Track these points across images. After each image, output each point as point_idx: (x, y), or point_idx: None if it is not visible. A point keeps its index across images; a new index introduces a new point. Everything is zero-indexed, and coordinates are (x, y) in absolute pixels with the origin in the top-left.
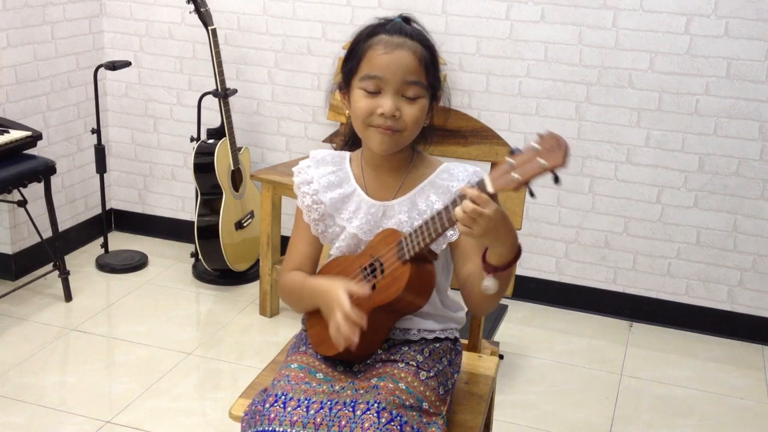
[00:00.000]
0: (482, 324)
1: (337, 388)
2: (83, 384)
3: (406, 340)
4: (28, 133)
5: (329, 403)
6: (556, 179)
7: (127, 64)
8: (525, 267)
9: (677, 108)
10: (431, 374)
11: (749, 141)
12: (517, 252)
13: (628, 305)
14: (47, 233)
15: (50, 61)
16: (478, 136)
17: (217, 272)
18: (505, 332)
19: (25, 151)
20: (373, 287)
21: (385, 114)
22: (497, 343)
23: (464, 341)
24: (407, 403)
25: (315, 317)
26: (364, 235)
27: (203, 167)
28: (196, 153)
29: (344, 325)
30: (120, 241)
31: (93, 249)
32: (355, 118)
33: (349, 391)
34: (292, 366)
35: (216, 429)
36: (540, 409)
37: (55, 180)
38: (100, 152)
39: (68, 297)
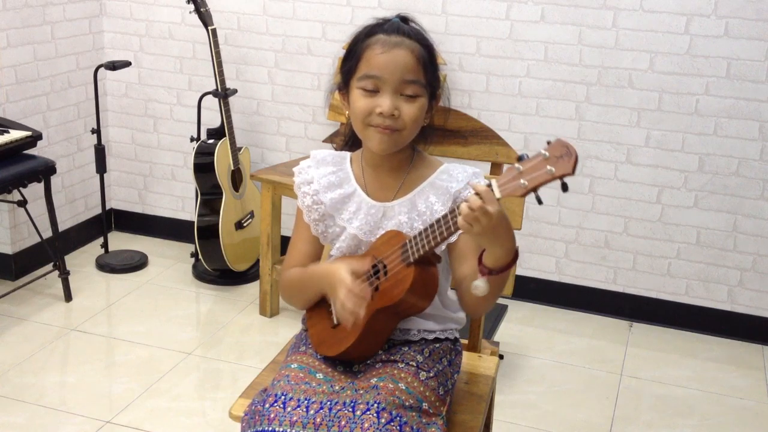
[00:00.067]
0: (482, 324)
1: (336, 388)
2: (83, 384)
3: (406, 340)
4: (28, 133)
5: (329, 403)
6: (565, 187)
7: (127, 64)
8: (525, 267)
9: (677, 108)
10: (431, 374)
11: (749, 141)
12: (514, 257)
13: (628, 305)
14: (47, 233)
15: (50, 61)
16: (478, 136)
17: (217, 272)
18: (505, 332)
19: (25, 151)
20: (376, 289)
21: (383, 113)
22: (497, 343)
23: (464, 341)
24: (407, 404)
25: (315, 317)
26: (364, 236)
27: (203, 167)
28: (196, 153)
29: (349, 300)
30: (120, 241)
31: (93, 249)
32: (355, 118)
33: (348, 392)
34: (292, 366)
35: (216, 429)
36: (540, 409)
37: (55, 180)
38: (100, 152)
39: (68, 297)
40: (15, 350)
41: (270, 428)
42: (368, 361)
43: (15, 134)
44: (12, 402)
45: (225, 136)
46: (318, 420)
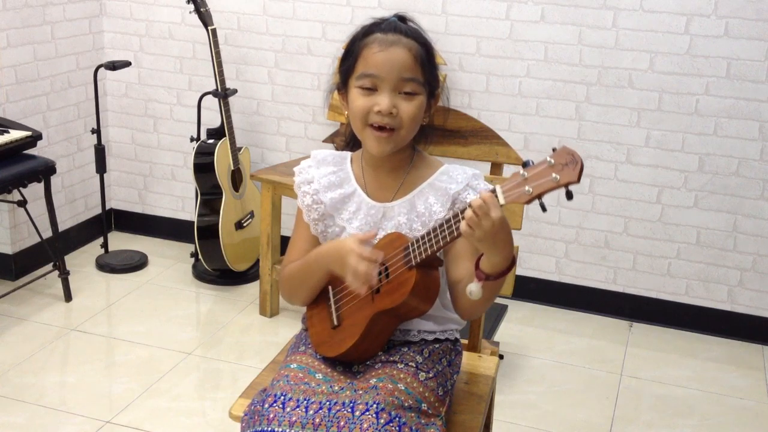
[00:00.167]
0: (482, 324)
1: (336, 388)
2: (83, 384)
3: (405, 341)
4: (28, 133)
5: (328, 403)
6: (569, 195)
7: (127, 64)
8: (525, 267)
9: (677, 108)
10: (430, 375)
11: (749, 141)
12: (511, 263)
13: (628, 305)
14: (47, 233)
15: (50, 61)
16: (478, 136)
17: (217, 272)
18: (505, 332)
19: (25, 151)
20: (377, 291)
21: (382, 111)
22: (497, 343)
23: (464, 341)
24: (406, 404)
25: (316, 317)
26: None
27: (203, 167)
28: (196, 153)
29: (361, 264)
30: (120, 241)
31: (93, 249)
32: (353, 118)
33: (348, 392)
34: (292, 366)
35: (216, 429)
36: (540, 409)
37: (55, 180)
38: (100, 152)
39: (68, 297)
40: (15, 350)
41: (269, 428)
42: (368, 362)
43: (15, 134)
44: (12, 402)
45: (225, 136)
46: (317, 420)
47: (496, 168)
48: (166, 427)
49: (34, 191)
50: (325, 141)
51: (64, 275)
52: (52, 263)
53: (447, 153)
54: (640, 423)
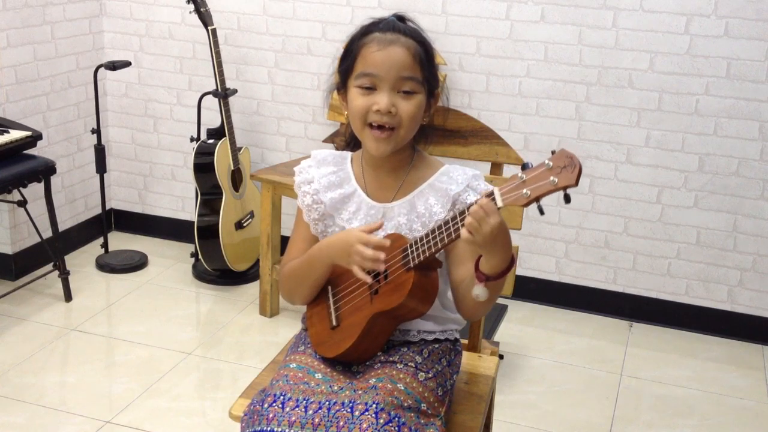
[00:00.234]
0: (482, 324)
1: (335, 388)
2: (83, 384)
3: (405, 341)
4: (28, 133)
5: (328, 403)
6: (567, 198)
7: (127, 64)
8: (525, 267)
9: (677, 108)
10: (430, 375)
11: (749, 141)
12: (510, 263)
13: (628, 305)
14: (47, 233)
15: (50, 61)
16: (478, 136)
17: (217, 272)
18: (505, 332)
19: (25, 151)
20: (376, 292)
21: (381, 110)
22: (497, 343)
23: (464, 341)
24: (405, 404)
25: (315, 317)
26: None
27: (203, 167)
28: (196, 153)
29: (368, 251)
30: (120, 241)
31: (93, 249)
32: (353, 118)
33: (347, 392)
34: (291, 366)
35: (216, 429)
36: (540, 409)
37: (55, 180)
38: (100, 152)
39: (68, 297)
40: (15, 350)
41: (269, 428)
42: (367, 362)
43: (15, 134)
44: (12, 402)
45: (225, 136)
46: (317, 420)
47: (496, 168)
48: (166, 427)
49: (34, 191)
50: (325, 141)
51: (64, 275)
52: (52, 263)
53: (447, 153)
54: (640, 423)
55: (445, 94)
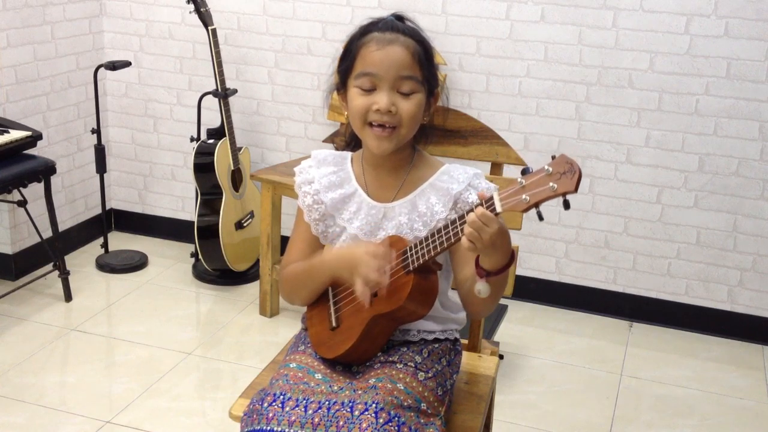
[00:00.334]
0: (482, 324)
1: (335, 388)
2: (83, 384)
3: (405, 340)
4: (28, 133)
5: (327, 403)
6: (567, 205)
7: (127, 64)
8: (525, 267)
9: (677, 108)
10: (429, 375)
11: (749, 141)
12: (510, 259)
13: (628, 305)
14: (47, 233)
15: (50, 61)
16: (478, 136)
17: (217, 272)
18: (505, 332)
19: (25, 151)
20: (375, 294)
21: (381, 110)
22: (497, 343)
23: (464, 341)
24: (405, 404)
25: (316, 317)
26: (365, 236)
27: (203, 167)
28: (196, 153)
29: (372, 274)
30: (120, 241)
31: (93, 249)
32: (353, 118)
33: (347, 392)
34: (291, 366)
35: (216, 429)
36: (540, 409)
37: (55, 180)
38: (100, 152)
39: (68, 297)
40: (15, 350)
41: (268, 427)
42: (367, 362)
43: (15, 134)
44: (12, 402)
45: (225, 136)
46: (316, 420)
47: (496, 168)
48: (166, 427)
49: (34, 191)
50: (325, 141)
51: (64, 275)
52: (52, 263)
53: (447, 153)
54: (640, 423)
55: (445, 94)
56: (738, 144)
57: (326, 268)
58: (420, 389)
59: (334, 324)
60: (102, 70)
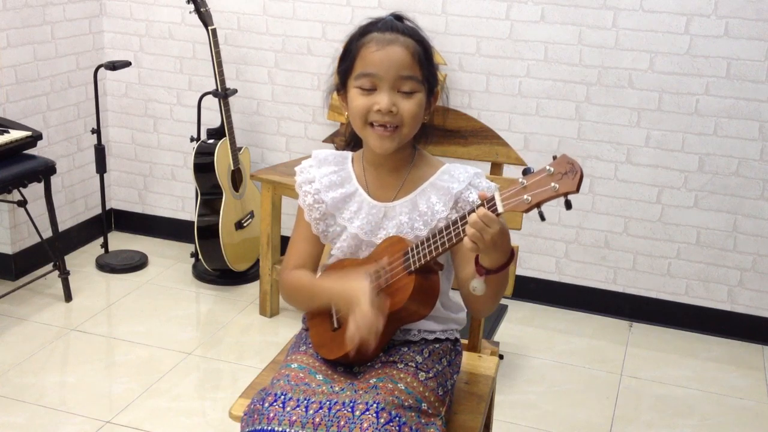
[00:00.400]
0: (482, 324)
1: (336, 389)
2: (83, 384)
3: (406, 340)
4: (28, 133)
5: (328, 403)
6: (568, 205)
7: (127, 64)
8: (525, 267)
9: (677, 108)
10: (430, 375)
11: (749, 141)
12: (510, 257)
13: (628, 305)
14: (47, 233)
15: (50, 61)
16: (478, 136)
17: (217, 272)
18: (505, 332)
19: (25, 151)
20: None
21: (381, 110)
22: (497, 343)
23: (464, 341)
24: (406, 404)
25: (317, 318)
26: (365, 236)
27: (203, 167)
28: (196, 153)
29: (364, 321)
30: (120, 241)
31: (93, 249)
32: (354, 118)
33: (348, 392)
34: (292, 366)
35: (216, 429)
36: (540, 409)
37: (55, 180)
38: (100, 152)
39: (68, 297)
40: (15, 350)
41: (269, 427)
42: (368, 363)
43: (15, 134)
44: (12, 402)
45: (225, 136)
46: (317, 420)
47: (496, 168)
48: (166, 427)
49: (34, 191)
50: (325, 141)
51: (64, 275)
52: (52, 263)
53: (447, 153)
54: (640, 423)
55: (444, 94)
56: (738, 144)
57: (326, 296)
58: (421, 389)
59: (335, 325)
60: (102, 70)
